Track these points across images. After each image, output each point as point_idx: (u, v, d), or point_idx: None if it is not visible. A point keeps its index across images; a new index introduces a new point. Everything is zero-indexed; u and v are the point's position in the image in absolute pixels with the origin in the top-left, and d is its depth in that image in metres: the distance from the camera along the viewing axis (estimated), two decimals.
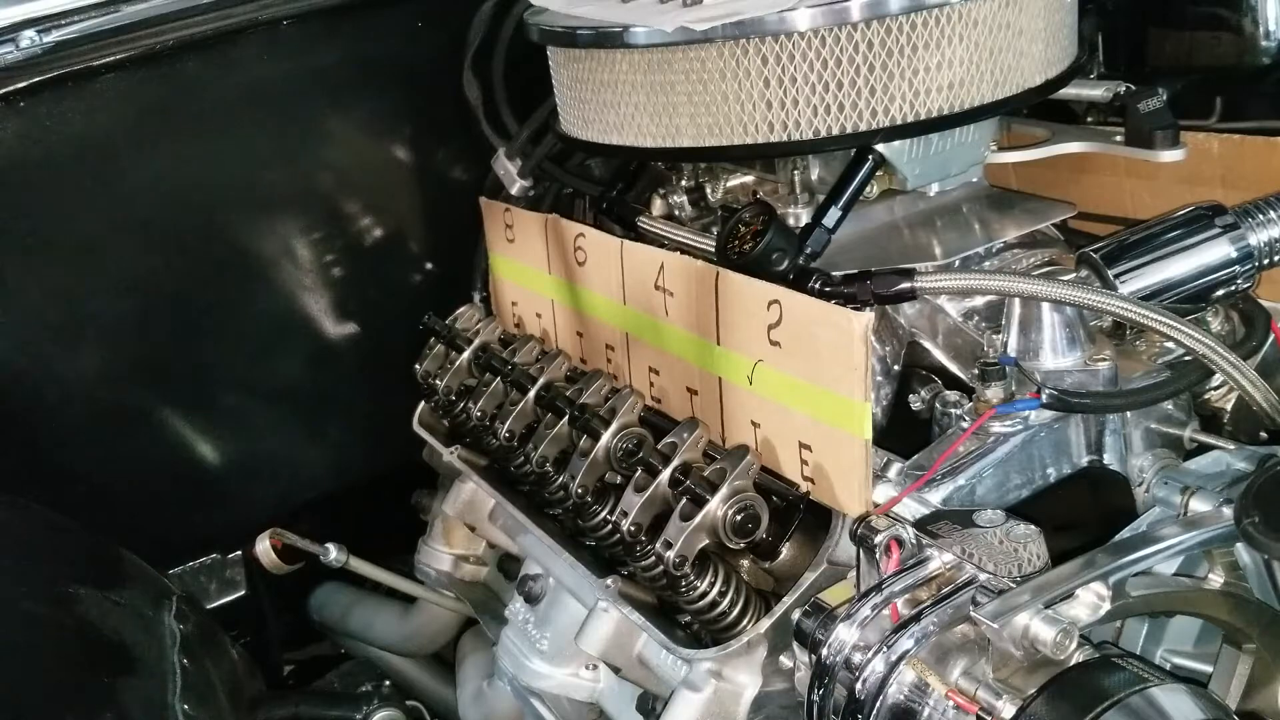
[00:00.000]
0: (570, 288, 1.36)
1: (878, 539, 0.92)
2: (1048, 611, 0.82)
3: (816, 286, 1.09)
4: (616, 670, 1.23)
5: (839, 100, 1.09)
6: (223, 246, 1.67)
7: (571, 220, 1.37)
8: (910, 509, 1.01)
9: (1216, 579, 1.02)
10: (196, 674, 1.23)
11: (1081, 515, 1.09)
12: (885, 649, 0.85)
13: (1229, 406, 1.20)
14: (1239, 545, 1.00)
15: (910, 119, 1.10)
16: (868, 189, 1.18)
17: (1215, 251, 1.11)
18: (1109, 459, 1.11)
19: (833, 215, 1.14)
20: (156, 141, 1.58)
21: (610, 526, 1.17)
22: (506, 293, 1.53)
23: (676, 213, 1.42)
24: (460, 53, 1.61)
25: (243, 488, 1.79)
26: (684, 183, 1.42)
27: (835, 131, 1.10)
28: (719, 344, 1.13)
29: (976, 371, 1.09)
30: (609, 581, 1.17)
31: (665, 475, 1.11)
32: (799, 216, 1.24)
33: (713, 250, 1.17)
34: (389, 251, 1.80)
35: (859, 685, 0.85)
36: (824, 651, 0.89)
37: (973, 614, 0.85)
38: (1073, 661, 0.82)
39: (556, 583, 1.33)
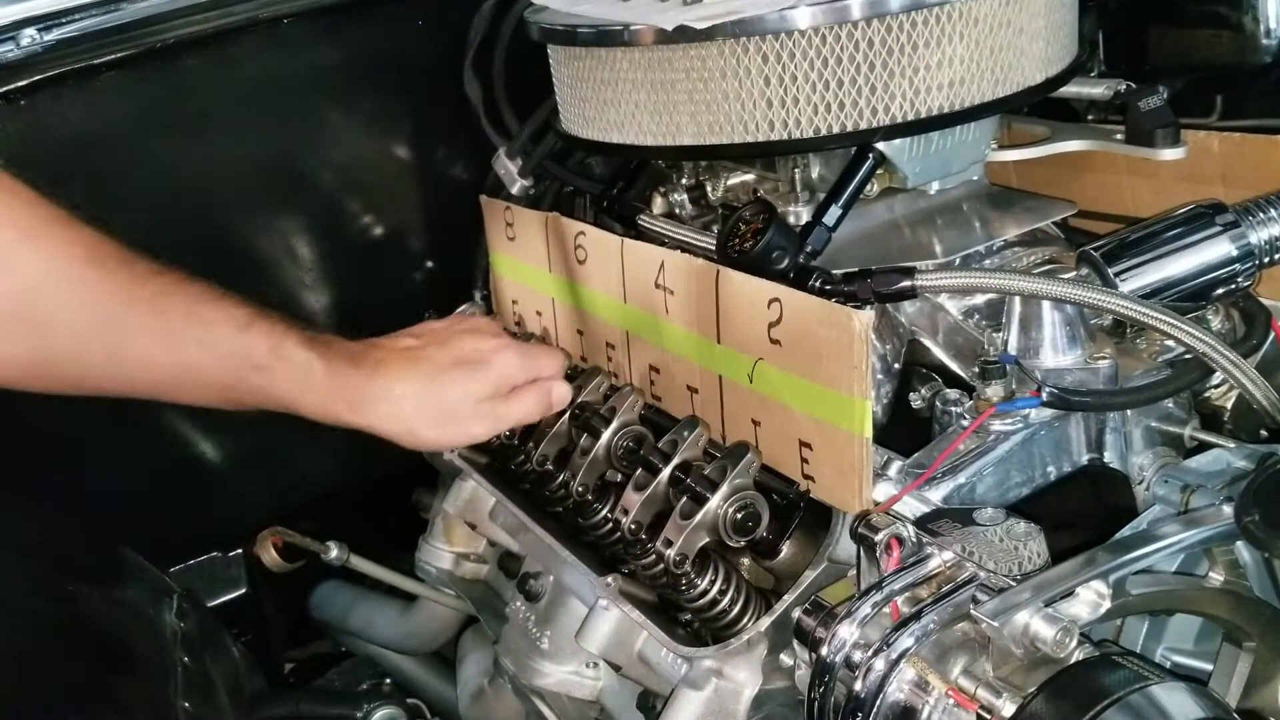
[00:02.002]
0: (570, 286, 1.36)
1: (878, 537, 0.92)
2: (1048, 610, 0.82)
3: (817, 285, 1.09)
4: (617, 668, 1.23)
5: (839, 98, 1.09)
6: (223, 245, 1.67)
7: (572, 219, 1.37)
8: (910, 507, 1.01)
9: (1217, 577, 1.02)
10: (197, 672, 1.23)
11: (1082, 513, 1.09)
12: (885, 647, 0.85)
13: (1229, 405, 1.20)
14: (1239, 543, 1.00)
15: (911, 117, 1.10)
16: (868, 187, 1.19)
17: (1216, 249, 1.11)
18: (1109, 457, 1.11)
19: (833, 213, 1.14)
20: (157, 139, 1.58)
21: (611, 525, 1.17)
22: (507, 291, 1.53)
23: (677, 211, 1.42)
24: (461, 51, 1.61)
25: (244, 486, 1.79)
26: (684, 181, 1.42)
27: (836, 130, 1.10)
28: (719, 342, 1.13)
29: (977, 370, 1.09)
30: (609, 580, 1.17)
31: (665, 473, 1.11)
32: (799, 215, 1.24)
33: (713, 248, 1.17)
34: (389, 250, 1.80)
35: (859, 683, 0.85)
36: (824, 649, 0.89)
37: (973, 612, 0.85)
38: (1073, 659, 0.82)
39: (557, 581, 1.33)
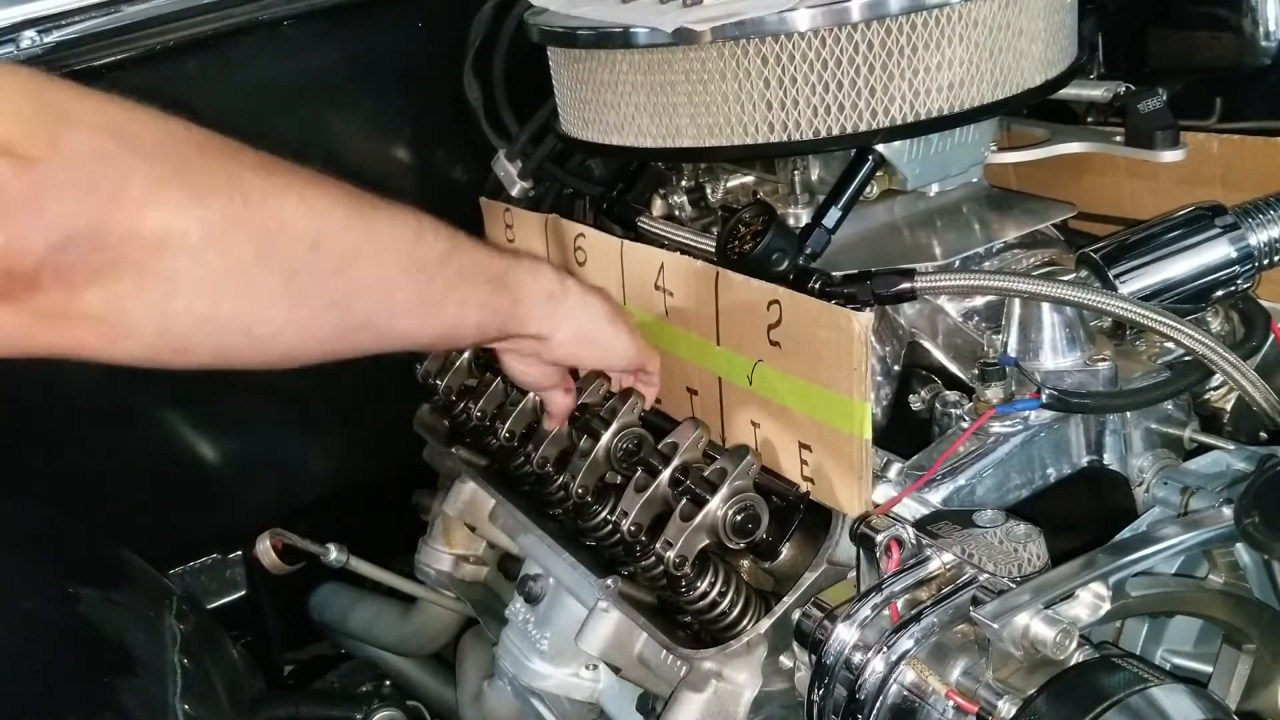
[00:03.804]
0: None
1: (878, 539, 0.92)
2: (1048, 612, 0.82)
3: (816, 287, 1.09)
4: (617, 670, 1.23)
5: (839, 100, 1.09)
6: None
7: (571, 221, 1.37)
8: (910, 509, 1.01)
9: (1216, 579, 1.03)
10: (197, 674, 1.23)
11: (1081, 515, 1.09)
12: (885, 649, 0.85)
13: (1229, 407, 1.20)
14: (1239, 545, 1.00)
15: (910, 119, 1.10)
16: (868, 189, 1.19)
17: (1215, 252, 1.11)
18: (1109, 459, 1.11)
19: (833, 215, 1.14)
20: None
21: (610, 527, 1.17)
22: None
23: (677, 213, 1.42)
24: (460, 53, 1.61)
25: (243, 488, 1.79)
26: (684, 183, 1.42)
27: (835, 132, 1.10)
28: (719, 344, 1.13)
29: (976, 372, 1.09)
30: (609, 582, 1.17)
31: (665, 475, 1.11)
32: (799, 217, 1.24)
33: (713, 250, 1.17)
34: None
35: (859, 685, 0.86)
36: (824, 651, 0.89)
37: (973, 614, 0.85)
38: (1073, 662, 0.82)
39: (557, 583, 1.33)
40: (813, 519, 1.06)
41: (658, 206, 1.43)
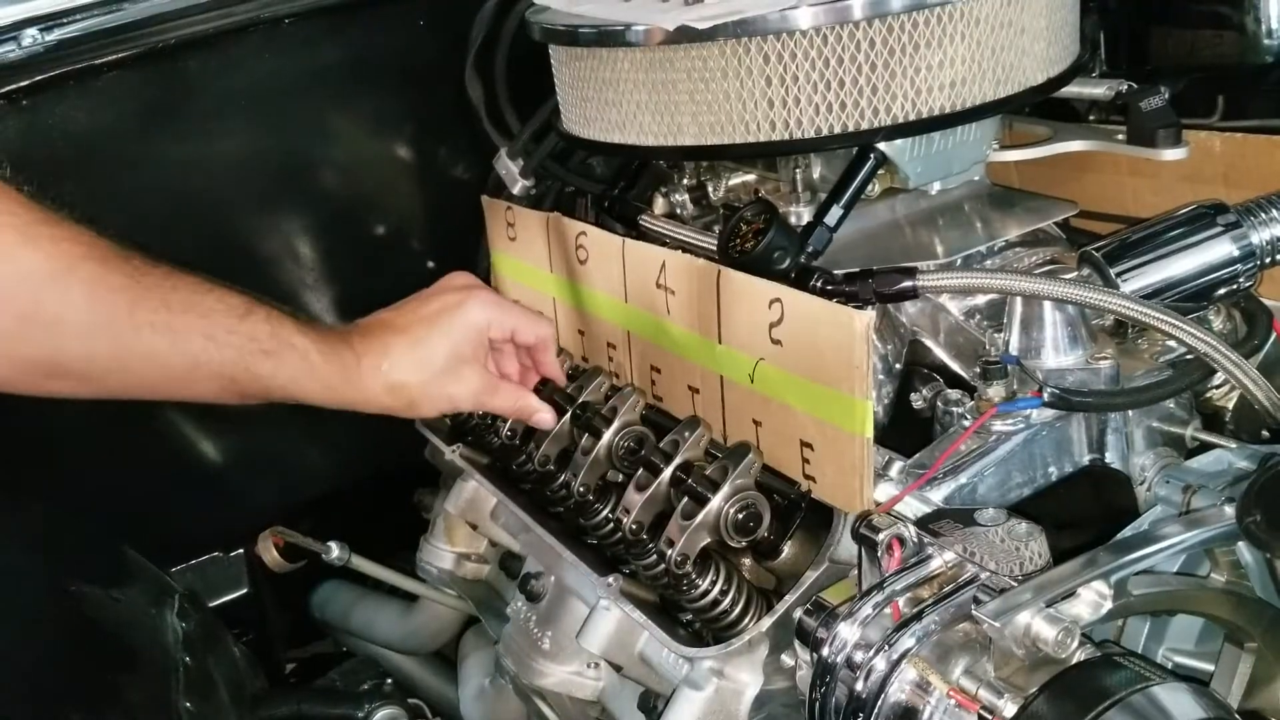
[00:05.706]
0: (572, 286, 1.36)
1: (879, 537, 0.92)
2: (1049, 610, 0.82)
3: (818, 285, 1.09)
4: (618, 669, 1.23)
5: (840, 99, 1.09)
6: (224, 245, 1.67)
7: (573, 219, 1.37)
8: (912, 507, 1.01)
9: (1218, 578, 1.03)
10: (199, 672, 1.23)
11: (1083, 514, 1.09)
12: (887, 647, 0.85)
13: (1231, 405, 1.20)
14: (1241, 544, 1.00)
15: (912, 117, 1.10)
16: (869, 187, 1.19)
17: (1217, 250, 1.11)
18: (1111, 457, 1.11)
19: (834, 214, 1.14)
20: (158, 140, 1.58)
21: (612, 525, 1.17)
22: (508, 291, 1.53)
23: (678, 211, 1.42)
24: (462, 51, 1.61)
25: (245, 486, 1.79)
26: (686, 181, 1.43)
27: (837, 130, 1.10)
28: (720, 342, 1.13)
29: (978, 370, 1.09)
30: (611, 580, 1.17)
31: (667, 474, 1.11)
32: (801, 215, 1.24)
33: (715, 249, 1.17)
34: (391, 250, 1.80)
35: (860, 684, 0.85)
36: (825, 650, 0.89)
37: (974, 612, 0.85)
38: (1074, 660, 0.82)
39: (558, 581, 1.33)
40: (814, 517, 1.06)
41: (659, 205, 1.43)
